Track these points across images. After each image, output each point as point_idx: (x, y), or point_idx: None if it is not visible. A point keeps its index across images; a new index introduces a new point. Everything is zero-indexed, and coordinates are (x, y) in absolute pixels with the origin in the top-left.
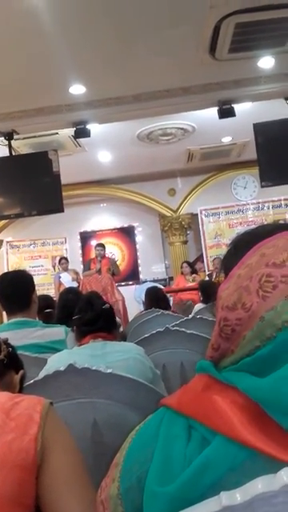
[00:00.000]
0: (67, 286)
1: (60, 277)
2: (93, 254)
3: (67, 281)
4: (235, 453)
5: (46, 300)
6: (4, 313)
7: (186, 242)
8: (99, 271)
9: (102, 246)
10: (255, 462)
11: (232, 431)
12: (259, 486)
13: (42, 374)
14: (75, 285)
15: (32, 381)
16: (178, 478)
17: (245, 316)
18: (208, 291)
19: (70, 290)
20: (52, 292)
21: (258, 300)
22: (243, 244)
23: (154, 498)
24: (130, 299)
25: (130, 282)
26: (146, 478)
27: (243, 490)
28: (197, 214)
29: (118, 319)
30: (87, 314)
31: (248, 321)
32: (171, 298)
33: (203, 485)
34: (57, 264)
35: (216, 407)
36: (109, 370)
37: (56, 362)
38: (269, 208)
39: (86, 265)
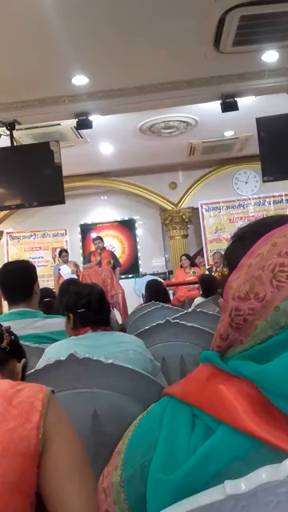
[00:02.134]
0: (66, 278)
1: (59, 269)
2: (93, 247)
3: (66, 273)
4: (239, 442)
5: (45, 292)
6: (5, 303)
7: (186, 236)
8: (99, 263)
9: (99, 238)
10: (260, 451)
11: (236, 421)
12: (263, 475)
13: (40, 364)
14: (75, 277)
15: (33, 370)
16: (182, 467)
17: (258, 306)
18: (208, 285)
19: (70, 281)
20: (51, 284)
21: (273, 290)
22: (250, 234)
23: (158, 485)
24: (130, 292)
25: (130, 275)
26: (150, 466)
27: (247, 479)
28: (197, 208)
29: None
30: (97, 314)
31: (261, 310)
32: (171, 292)
33: (207, 473)
34: (57, 256)
35: (221, 396)
36: (110, 361)
37: (54, 353)
38: (270, 203)
39: (87, 257)
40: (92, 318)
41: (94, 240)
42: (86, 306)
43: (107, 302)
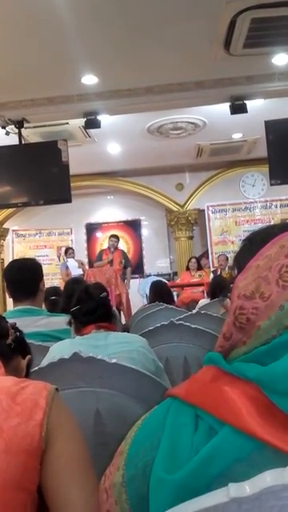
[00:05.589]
0: (73, 272)
1: (67, 261)
2: (98, 246)
3: (73, 266)
4: (242, 443)
5: (52, 290)
6: (9, 301)
7: (191, 238)
8: (111, 262)
9: (116, 237)
10: (262, 453)
11: (239, 422)
12: (268, 479)
13: (44, 362)
14: (80, 272)
15: (36, 368)
16: (184, 467)
17: (262, 305)
18: (215, 287)
19: (75, 280)
20: (56, 282)
21: (278, 289)
22: (259, 239)
23: (161, 484)
24: (134, 293)
25: (134, 276)
26: (153, 466)
27: (252, 482)
28: (204, 210)
29: (117, 310)
30: (86, 303)
31: (264, 310)
32: (175, 293)
33: (210, 474)
34: (62, 254)
35: (225, 397)
36: (113, 360)
37: (58, 351)
38: (276, 207)
39: (98, 256)
40: (86, 314)
41: (109, 237)
42: (76, 304)
43: (105, 296)
